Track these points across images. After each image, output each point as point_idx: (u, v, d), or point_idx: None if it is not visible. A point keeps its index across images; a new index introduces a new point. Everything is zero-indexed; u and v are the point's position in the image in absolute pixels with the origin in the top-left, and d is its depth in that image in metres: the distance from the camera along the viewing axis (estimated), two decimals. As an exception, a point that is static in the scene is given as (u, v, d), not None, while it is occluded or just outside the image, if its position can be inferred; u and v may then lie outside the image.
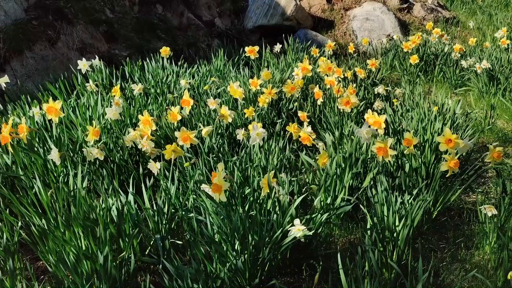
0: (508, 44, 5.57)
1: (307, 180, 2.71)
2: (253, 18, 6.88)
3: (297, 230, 1.88)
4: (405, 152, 2.62)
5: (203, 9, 6.82)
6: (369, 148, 2.60)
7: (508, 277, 1.72)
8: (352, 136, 2.69)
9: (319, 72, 4.01)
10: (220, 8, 7.09)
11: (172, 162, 2.39)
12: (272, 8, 6.76)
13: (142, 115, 2.68)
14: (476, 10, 8.15)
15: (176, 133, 2.44)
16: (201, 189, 2.09)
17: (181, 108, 3.06)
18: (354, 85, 4.01)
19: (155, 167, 2.42)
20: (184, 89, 3.60)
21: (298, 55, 5.24)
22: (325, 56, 4.88)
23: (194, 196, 2.35)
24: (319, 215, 2.15)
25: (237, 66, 4.90)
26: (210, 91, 3.83)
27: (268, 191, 2.08)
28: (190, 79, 4.12)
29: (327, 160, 2.46)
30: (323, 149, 2.72)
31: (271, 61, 5.06)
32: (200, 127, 2.78)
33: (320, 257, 2.22)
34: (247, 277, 1.93)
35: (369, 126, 2.45)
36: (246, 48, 4.29)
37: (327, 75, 3.81)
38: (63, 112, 2.72)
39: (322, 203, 2.38)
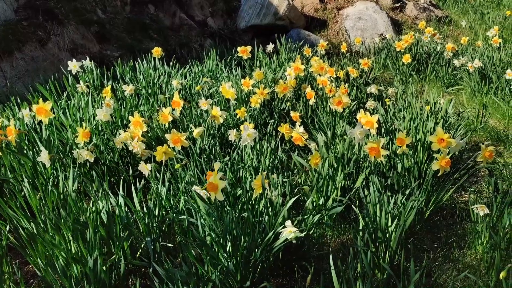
0: (500, 43, 5.59)
1: (299, 181, 2.70)
2: (245, 18, 6.86)
3: (289, 232, 1.87)
4: (398, 151, 2.61)
5: (195, 9, 6.80)
6: (361, 148, 2.60)
7: (500, 277, 1.72)
8: (344, 136, 2.68)
9: (312, 71, 4.00)
10: (212, 8, 7.07)
11: (163, 164, 2.37)
12: (265, 7, 6.75)
13: (133, 116, 2.66)
14: (468, 9, 8.18)
15: (167, 135, 2.42)
16: (193, 190, 2.07)
17: (172, 109, 3.04)
18: (347, 84, 4.01)
19: (145, 168, 2.39)
20: (176, 90, 3.58)
21: (291, 54, 5.23)
22: (317, 56, 4.87)
23: (186, 198, 2.33)
24: (311, 216, 2.14)
25: (230, 66, 4.88)
26: (202, 92, 3.80)
27: (260, 192, 2.06)
28: (182, 79, 4.10)
29: (319, 160, 2.45)
30: (315, 150, 2.71)
31: (263, 61, 5.05)
32: (191, 128, 2.76)
33: (312, 258, 2.21)
34: (238, 279, 1.91)
35: (362, 127, 2.44)
36: (239, 48, 4.28)
37: (320, 75, 3.80)
38: (54, 114, 2.69)
39: (314, 203, 2.37)
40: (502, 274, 1.71)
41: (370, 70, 4.73)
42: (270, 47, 5.12)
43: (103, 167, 2.76)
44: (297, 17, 6.95)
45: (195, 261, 1.86)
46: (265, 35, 6.55)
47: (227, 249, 1.91)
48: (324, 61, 4.14)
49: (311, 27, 7.14)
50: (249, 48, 4.26)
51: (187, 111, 3.31)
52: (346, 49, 5.49)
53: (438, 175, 2.31)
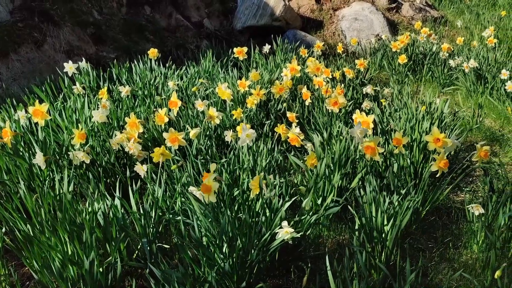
0: (495, 43, 5.61)
1: (295, 181, 2.70)
2: (242, 19, 6.86)
3: (285, 232, 1.87)
4: (394, 152, 2.62)
5: (191, 10, 6.80)
6: (357, 149, 2.60)
7: (495, 276, 1.72)
8: (340, 137, 2.69)
9: (308, 72, 4.01)
10: (208, 9, 7.07)
11: (160, 165, 2.37)
12: (261, 8, 6.75)
13: (129, 117, 2.66)
14: (464, 10, 8.21)
15: (165, 134, 2.42)
16: (189, 191, 2.07)
17: (169, 110, 3.04)
18: (343, 85, 4.02)
19: (142, 169, 2.39)
20: (172, 91, 3.58)
21: (287, 55, 5.24)
22: (314, 57, 4.88)
23: (183, 199, 2.33)
24: (308, 216, 2.14)
25: (226, 67, 4.88)
26: (199, 93, 3.81)
27: (257, 192, 2.06)
28: (178, 80, 4.10)
29: (315, 161, 2.45)
30: (311, 150, 2.72)
31: (259, 61, 5.05)
32: (188, 129, 2.76)
33: (309, 259, 2.21)
34: (235, 280, 1.91)
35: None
36: (235, 49, 4.28)
37: (316, 76, 3.81)
38: (50, 115, 2.69)
39: (311, 203, 2.37)
40: (497, 273, 1.72)
41: (366, 71, 4.74)
42: (266, 48, 5.13)
43: (99, 168, 2.75)
44: (293, 18, 6.96)
45: (191, 262, 1.87)
46: (261, 36, 6.55)
47: (224, 250, 1.91)
48: (320, 62, 4.15)
49: (308, 28, 7.15)
50: (245, 49, 4.26)
51: (184, 112, 3.31)
52: (342, 49, 5.49)
53: (437, 176, 2.32)
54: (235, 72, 4.36)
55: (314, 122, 3.55)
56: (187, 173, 2.45)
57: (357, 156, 2.65)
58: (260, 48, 5.23)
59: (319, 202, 2.40)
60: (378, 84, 4.74)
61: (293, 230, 1.87)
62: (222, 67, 4.78)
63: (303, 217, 2.14)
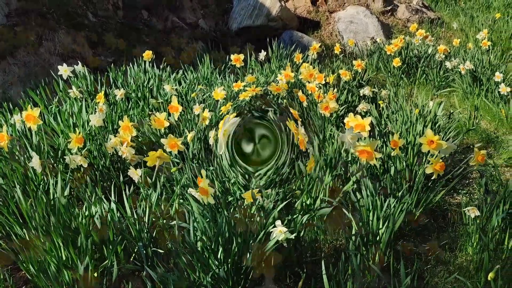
0: (489, 46, 5.63)
1: (293, 187, 2.69)
2: (237, 19, 6.87)
3: (279, 232, 1.87)
4: (392, 154, 2.60)
5: (187, 12, 6.80)
6: (349, 152, 2.58)
7: (489, 278, 1.73)
8: (332, 140, 2.69)
9: (301, 79, 4.00)
10: (204, 11, 7.08)
11: (157, 168, 2.35)
12: (257, 9, 6.76)
13: (123, 120, 2.65)
14: (459, 12, 8.24)
15: (163, 140, 2.42)
16: (189, 192, 2.10)
17: (169, 114, 3.03)
18: (336, 90, 3.98)
19: (135, 174, 2.37)
20: (171, 95, 3.58)
21: (282, 62, 5.24)
22: (308, 62, 4.85)
23: (181, 201, 2.32)
24: (300, 216, 2.14)
25: (224, 74, 4.91)
26: (197, 98, 3.80)
27: (251, 201, 2.08)
28: (175, 85, 4.09)
29: (313, 164, 2.44)
30: (312, 154, 2.70)
31: (255, 68, 5.08)
32: (186, 133, 2.76)
33: (305, 264, 2.21)
34: (230, 285, 1.91)
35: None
36: (232, 56, 4.29)
37: (309, 82, 3.81)
38: (43, 119, 2.68)
39: (303, 204, 2.37)
40: (490, 275, 1.73)
41: (364, 72, 4.74)
42: (262, 55, 5.09)
43: (96, 172, 2.75)
44: (290, 18, 6.95)
45: (186, 267, 1.86)
46: (257, 37, 6.54)
47: (219, 256, 1.90)
48: (315, 66, 4.15)
49: (305, 28, 7.14)
50: (241, 56, 4.28)
51: (183, 117, 3.30)
52: (340, 50, 5.47)
53: (432, 178, 2.31)
54: (232, 77, 4.38)
55: (312, 124, 3.54)
56: (186, 176, 2.45)
57: (349, 159, 2.63)
58: (256, 50, 5.24)
59: (310, 201, 2.39)
60: (376, 86, 4.75)
61: (286, 229, 1.87)
62: (219, 74, 4.79)
63: (295, 216, 2.14)
